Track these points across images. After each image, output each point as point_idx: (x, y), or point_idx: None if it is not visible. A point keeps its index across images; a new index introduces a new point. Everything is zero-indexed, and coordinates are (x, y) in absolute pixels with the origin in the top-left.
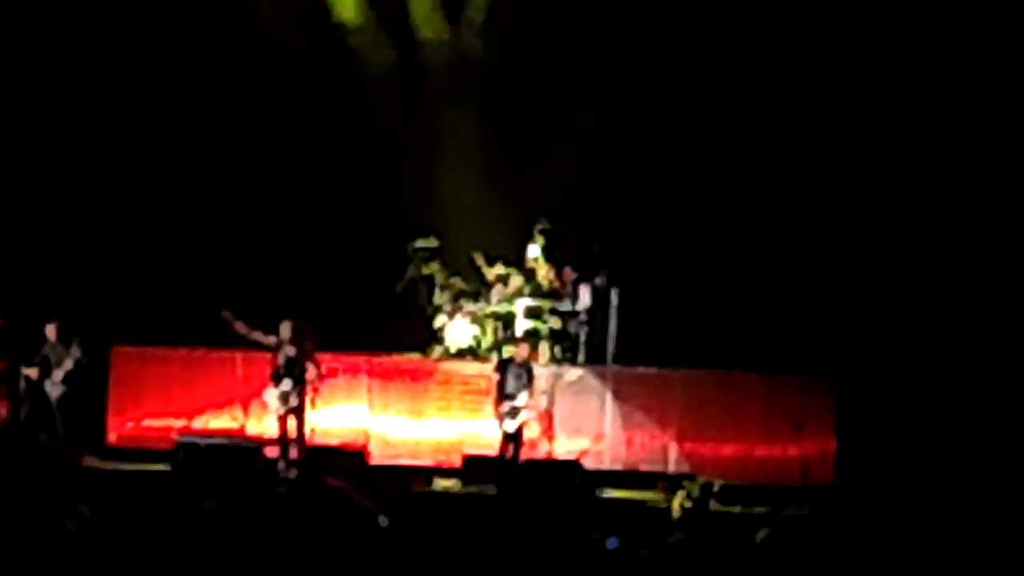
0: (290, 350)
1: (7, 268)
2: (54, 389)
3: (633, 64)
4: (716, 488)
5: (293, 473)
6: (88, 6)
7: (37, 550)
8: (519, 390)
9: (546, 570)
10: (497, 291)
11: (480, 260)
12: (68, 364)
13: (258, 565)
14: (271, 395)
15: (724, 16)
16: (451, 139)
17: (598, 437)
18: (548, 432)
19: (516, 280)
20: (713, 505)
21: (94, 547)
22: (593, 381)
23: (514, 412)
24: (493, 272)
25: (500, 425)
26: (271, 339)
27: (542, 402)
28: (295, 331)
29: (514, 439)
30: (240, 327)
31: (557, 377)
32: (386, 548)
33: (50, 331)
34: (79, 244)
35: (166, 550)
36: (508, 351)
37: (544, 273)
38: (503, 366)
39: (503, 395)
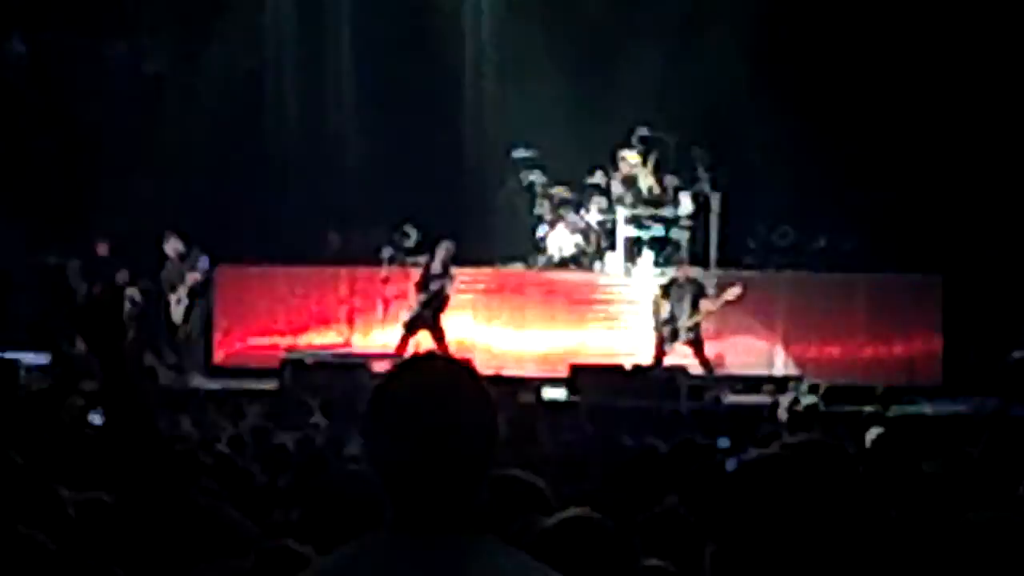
0: (436, 267)
1: (114, 192)
2: (176, 308)
3: None
4: (822, 389)
5: None
6: None
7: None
8: (682, 312)
9: (657, 472)
10: (597, 200)
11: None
12: (195, 277)
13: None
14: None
15: None
16: (545, 49)
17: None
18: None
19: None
20: (820, 406)
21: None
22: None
23: (675, 334)
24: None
25: (660, 346)
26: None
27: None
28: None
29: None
30: None
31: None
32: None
33: (171, 246)
34: (183, 166)
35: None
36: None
37: (645, 180)
38: (668, 288)
39: (667, 319)
